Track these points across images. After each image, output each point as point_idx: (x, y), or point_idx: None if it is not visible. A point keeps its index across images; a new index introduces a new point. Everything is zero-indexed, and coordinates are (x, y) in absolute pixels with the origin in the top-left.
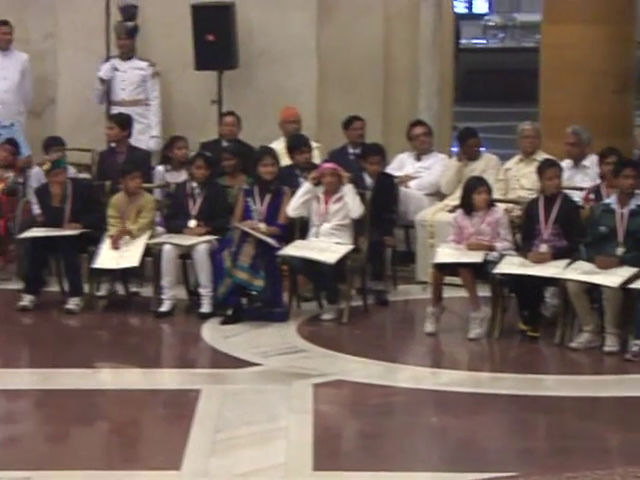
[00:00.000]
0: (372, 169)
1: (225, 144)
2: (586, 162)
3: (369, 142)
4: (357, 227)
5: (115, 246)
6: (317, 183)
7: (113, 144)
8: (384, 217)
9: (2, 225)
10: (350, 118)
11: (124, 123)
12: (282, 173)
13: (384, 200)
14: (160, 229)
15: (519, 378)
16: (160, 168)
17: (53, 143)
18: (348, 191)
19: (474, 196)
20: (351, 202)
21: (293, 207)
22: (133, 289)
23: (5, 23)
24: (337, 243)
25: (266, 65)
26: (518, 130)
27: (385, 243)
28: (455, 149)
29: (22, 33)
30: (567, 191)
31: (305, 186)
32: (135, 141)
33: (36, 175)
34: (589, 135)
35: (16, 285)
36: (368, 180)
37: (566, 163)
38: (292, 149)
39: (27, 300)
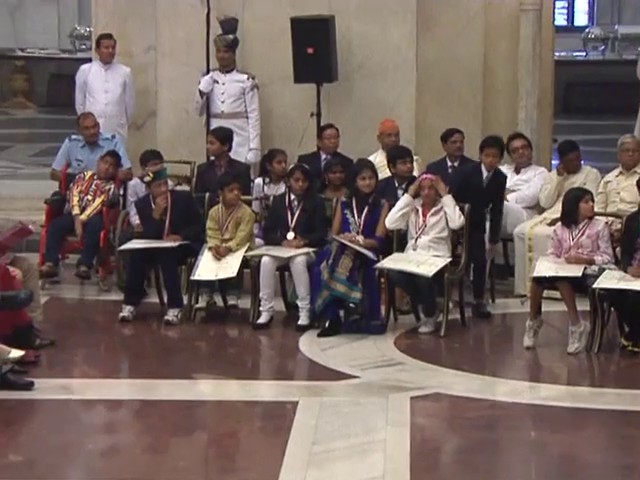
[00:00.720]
0: (488, 161)
1: (324, 157)
2: None
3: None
4: (456, 240)
5: (218, 258)
6: (415, 195)
7: (212, 158)
8: (491, 219)
9: (102, 237)
10: (449, 131)
11: (225, 138)
12: (381, 185)
13: (496, 196)
14: (259, 241)
15: (619, 393)
16: (259, 181)
17: (151, 157)
18: (448, 201)
19: (581, 205)
20: (451, 212)
21: (391, 220)
22: (231, 302)
23: (109, 37)
24: (435, 256)
25: (365, 78)
26: (619, 143)
27: (485, 256)
28: (555, 162)
29: (124, 46)
30: None
31: (404, 198)
32: (234, 153)
33: (134, 187)
34: None
35: (116, 296)
36: (484, 174)
37: None
38: (394, 158)
39: (127, 311)
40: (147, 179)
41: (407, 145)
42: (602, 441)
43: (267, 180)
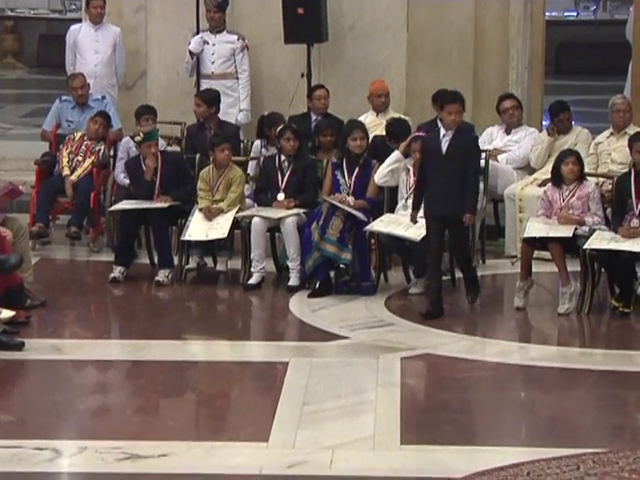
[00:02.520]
0: (451, 119)
1: (314, 117)
2: None
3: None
4: None
5: (209, 218)
6: (406, 155)
7: (201, 119)
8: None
9: (93, 198)
10: (439, 91)
11: (211, 100)
12: (375, 142)
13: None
14: (249, 202)
15: (609, 354)
16: (258, 142)
17: (145, 112)
18: None
19: (562, 167)
20: None
21: (380, 175)
22: (219, 267)
23: None
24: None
25: (356, 39)
26: (609, 104)
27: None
28: (546, 122)
29: (114, 6)
30: None
31: (394, 155)
32: (224, 114)
33: (125, 145)
34: None
35: (107, 257)
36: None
37: None
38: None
39: (117, 272)
40: (137, 139)
41: (398, 106)
42: (592, 401)
43: (264, 142)
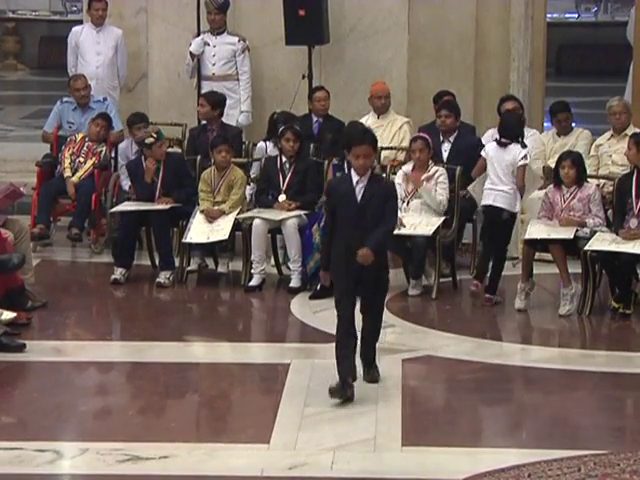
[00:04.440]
0: (358, 163)
1: (315, 119)
2: None
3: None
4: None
5: (210, 221)
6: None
7: (204, 121)
8: None
9: (94, 199)
10: (440, 93)
11: (216, 103)
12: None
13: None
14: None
15: (610, 355)
16: (261, 144)
17: (137, 120)
18: (426, 190)
19: (559, 170)
20: (430, 200)
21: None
22: (220, 270)
23: None
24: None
25: (357, 40)
26: (607, 106)
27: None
28: (547, 124)
29: (115, 8)
30: None
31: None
32: (225, 116)
33: (124, 150)
34: None
35: (108, 259)
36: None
37: None
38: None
39: (119, 273)
40: (150, 140)
41: (399, 107)
42: (593, 403)
43: (276, 141)
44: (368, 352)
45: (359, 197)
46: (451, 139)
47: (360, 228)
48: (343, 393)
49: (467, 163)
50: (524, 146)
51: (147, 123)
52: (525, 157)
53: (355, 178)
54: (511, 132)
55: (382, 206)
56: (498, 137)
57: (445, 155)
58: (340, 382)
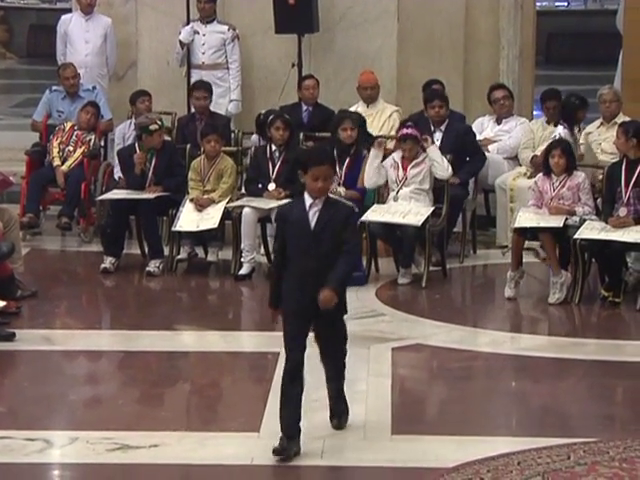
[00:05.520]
0: (315, 186)
1: (305, 108)
2: None
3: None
4: (437, 192)
5: (199, 209)
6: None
7: (193, 110)
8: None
9: (84, 188)
10: (428, 82)
11: (211, 92)
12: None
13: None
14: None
15: (600, 343)
16: (255, 137)
17: (141, 94)
18: (435, 152)
19: (549, 159)
20: (440, 162)
21: (367, 178)
22: (210, 258)
23: None
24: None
25: (346, 29)
26: (597, 95)
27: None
28: (537, 112)
29: None
30: None
31: (372, 153)
32: (215, 105)
33: (121, 131)
34: None
35: (97, 248)
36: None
37: None
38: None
39: (108, 262)
40: (154, 127)
41: (389, 96)
42: (583, 391)
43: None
44: (338, 405)
45: (313, 223)
46: (442, 128)
47: (316, 258)
48: (285, 450)
49: (459, 150)
50: None
51: (150, 98)
52: None
53: (308, 202)
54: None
55: (340, 232)
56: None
57: (437, 144)
58: (283, 438)
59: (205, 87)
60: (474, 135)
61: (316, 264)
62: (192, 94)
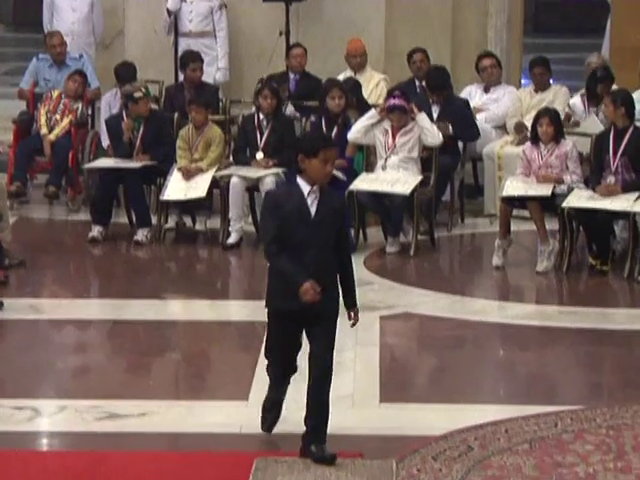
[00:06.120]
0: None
1: (293, 76)
2: None
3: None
4: (425, 161)
5: (187, 178)
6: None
7: (181, 79)
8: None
9: (71, 157)
10: (411, 51)
11: (202, 62)
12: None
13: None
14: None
15: (587, 312)
16: (291, 108)
17: (128, 71)
18: (424, 119)
19: (537, 127)
20: (430, 128)
21: (354, 130)
22: (198, 227)
23: None
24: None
25: None
26: (585, 63)
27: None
28: (525, 81)
29: None
30: (639, 123)
31: (371, 112)
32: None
33: (107, 100)
34: None
35: (85, 217)
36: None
37: (638, 95)
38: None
39: (96, 231)
40: (138, 94)
41: (376, 65)
42: (570, 359)
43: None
44: (316, 421)
45: (313, 212)
46: (440, 100)
47: (317, 249)
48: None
49: (456, 123)
50: None
51: (134, 71)
52: None
53: (306, 189)
54: None
55: (336, 223)
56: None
57: (435, 116)
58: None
59: (200, 59)
60: (471, 111)
61: (317, 255)
62: (186, 66)
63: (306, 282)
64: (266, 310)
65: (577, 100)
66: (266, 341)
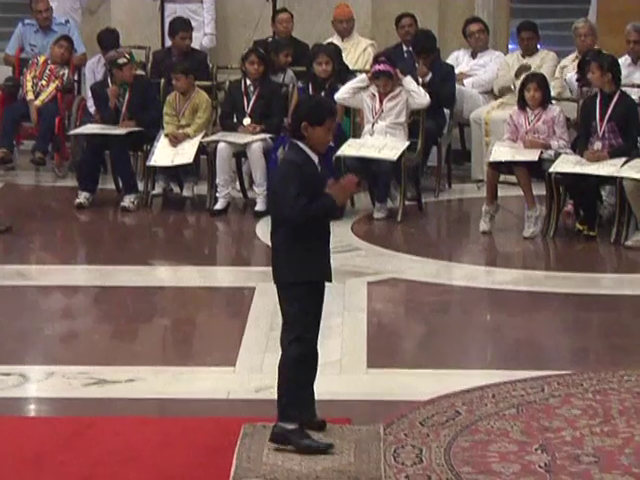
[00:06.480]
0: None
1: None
2: None
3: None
4: (412, 126)
5: (174, 144)
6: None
7: (169, 45)
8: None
9: (57, 123)
10: (399, 16)
11: (192, 29)
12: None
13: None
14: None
15: (574, 277)
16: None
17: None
18: (410, 82)
19: (525, 93)
20: (416, 90)
21: (342, 91)
22: (185, 193)
23: None
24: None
25: None
26: (572, 28)
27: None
28: (512, 46)
29: None
30: (625, 88)
31: (361, 76)
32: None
33: (90, 68)
34: None
35: (72, 183)
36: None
37: (624, 60)
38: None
39: (83, 197)
40: (122, 60)
41: (364, 30)
42: (557, 324)
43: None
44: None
45: (322, 182)
46: (427, 64)
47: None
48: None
49: (442, 91)
50: None
51: (117, 38)
52: None
53: (315, 158)
54: None
55: None
56: None
57: (420, 80)
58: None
59: (189, 27)
60: (454, 78)
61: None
62: (175, 34)
63: (340, 204)
64: (291, 288)
65: (573, 76)
66: (297, 325)
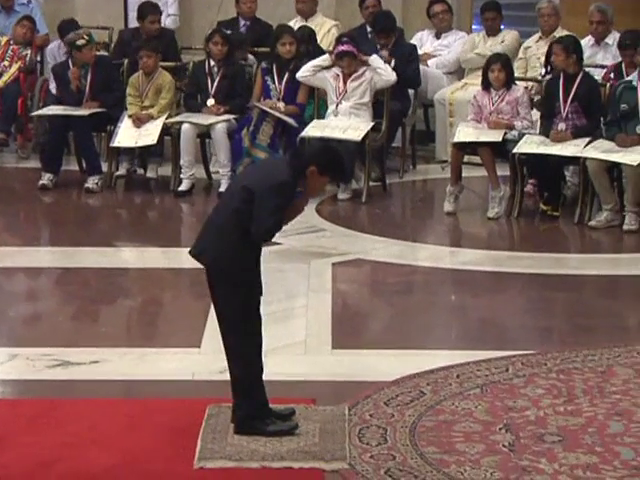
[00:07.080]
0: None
1: (243, 22)
2: (609, 40)
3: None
4: (377, 107)
5: (138, 125)
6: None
7: (137, 25)
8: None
9: (20, 104)
10: None
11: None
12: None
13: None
14: None
15: (538, 257)
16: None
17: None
18: (376, 60)
19: (489, 73)
20: (384, 67)
21: (304, 69)
22: (150, 174)
23: None
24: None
25: None
26: (536, 8)
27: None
28: (476, 27)
29: None
30: (588, 69)
31: (325, 56)
32: None
33: (51, 51)
34: (612, 12)
35: (35, 164)
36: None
37: (587, 40)
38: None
39: (46, 179)
40: (81, 42)
41: (328, 11)
42: (521, 304)
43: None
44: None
45: None
46: (389, 46)
47: None
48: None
49: (405, 69)
50: None
51: (77, 26)
52: None
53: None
54: None
55: None
56: None
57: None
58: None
59: (158, 11)
60: (417, 58)
61: None
62: (144, 17)
63: None
64: (233, 284)
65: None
66: (238, 321)
